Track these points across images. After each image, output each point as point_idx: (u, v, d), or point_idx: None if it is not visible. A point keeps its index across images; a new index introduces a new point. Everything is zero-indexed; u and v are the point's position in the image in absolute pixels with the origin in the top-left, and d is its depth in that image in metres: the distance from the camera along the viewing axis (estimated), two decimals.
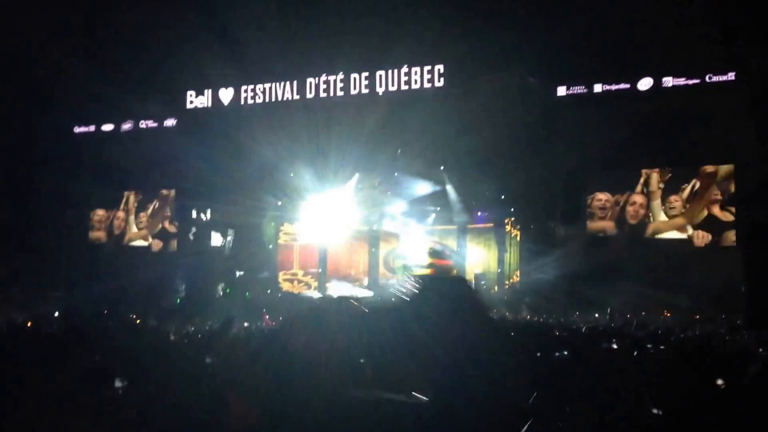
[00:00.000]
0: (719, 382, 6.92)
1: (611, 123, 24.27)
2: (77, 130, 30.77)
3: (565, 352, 9.56)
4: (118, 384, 4.65)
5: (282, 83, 26.07)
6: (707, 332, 18.32)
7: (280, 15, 24.32)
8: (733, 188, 24.38)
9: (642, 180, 25.64)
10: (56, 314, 19.16)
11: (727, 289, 21.64)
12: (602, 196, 25.89)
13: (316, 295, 29.26)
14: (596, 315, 22.01)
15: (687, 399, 5.59)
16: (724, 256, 23.28)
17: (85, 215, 31.82)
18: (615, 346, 12.08)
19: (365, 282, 30.00)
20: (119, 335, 8.14)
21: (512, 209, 26.99)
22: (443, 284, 2.48)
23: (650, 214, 25.48)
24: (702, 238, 24.80)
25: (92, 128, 30.60)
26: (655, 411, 5.04)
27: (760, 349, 11.45)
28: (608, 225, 25.89)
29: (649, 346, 11.45)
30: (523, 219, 26.60)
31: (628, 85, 24.73)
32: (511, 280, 27.23)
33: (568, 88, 25.24)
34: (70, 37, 25.55)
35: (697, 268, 23.02)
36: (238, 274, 28.99)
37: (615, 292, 22.90)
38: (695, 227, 24.90)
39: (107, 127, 30.41)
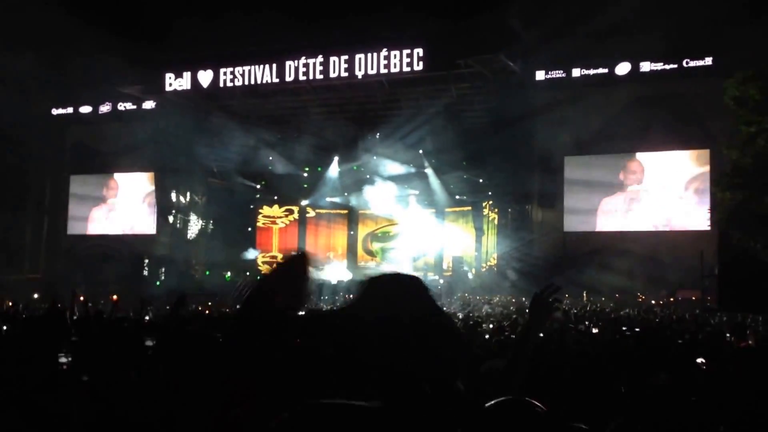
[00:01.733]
0: (700, 360, 7.13)
1: (589, 107, 24.46)
2: (55, 112, 30.57)
3: (541, 335, 9.81)
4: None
5: (261, 66, 25.96)
6: (682, 315, 18.73)
7: None
8: (709, 172, 24.67)
9: (622, 165, 25.98)
10: (35, 296, 19.24)
11: (702, 271, 22.03)
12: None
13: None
14: (573, 298, 22.36)
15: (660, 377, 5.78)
16: (699, 239, 23.58)
17: (64, 197, 31.73)
18: (595, 330, 12.39)
19: (344, 264, 30.23)
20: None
21: (490, 192, 27.14)
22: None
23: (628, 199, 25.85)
24: (678, 221, 25.12)
25: (70, 110, 30.41)
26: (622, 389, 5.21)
27: (728, 335, 11.72)
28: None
29: (624, 328, 11.70)
30: (501, 202, 26.77)
31: (606, 70, 24.86)
32: (489, 263, 27.45)
33: (546, 73, 25.35)
34: (47, 20, 25.32)
35: (673, 252, 23.28)
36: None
37: (591, 276, 23.21)
38: (671, 211, 25.24)
39: (85, 109, 30.22)
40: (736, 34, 21.13)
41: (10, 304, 16.00)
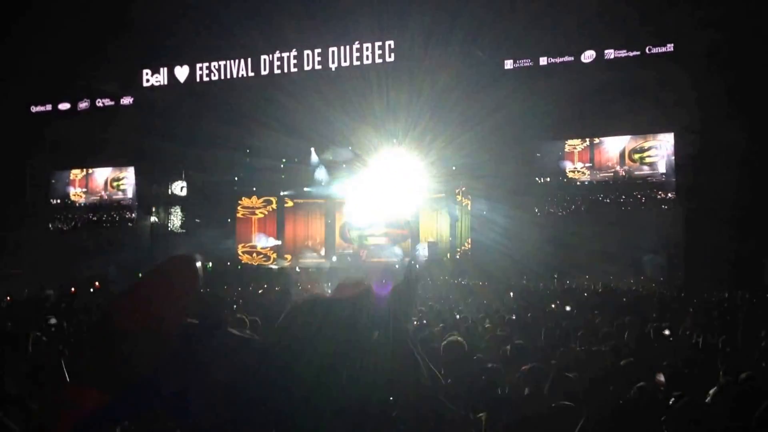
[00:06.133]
0: (666, 332, 7.76)
1: (557, 94, 25.05)
2: (34, 109, 30.82)
3: (513, 317, 10.48)
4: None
5: (236, 60, 26.46)
6: (650, 291, 19.50)
7: None
8: (674, 156, 25.48)
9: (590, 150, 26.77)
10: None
11: (669, 251, 22.86)
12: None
13: (274, 266, 30.05)
14: (545, 280, 23.09)
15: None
16: (665, 222, 24.40)
17: (44, 194, 32.01)
18: (568, 308, 13.11)
19: (322, 252, 30.78)
20: None
21: (463, 179, 27.78)
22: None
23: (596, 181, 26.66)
24: (644, 203, 25.92)
25: (49, 107, 30.67)
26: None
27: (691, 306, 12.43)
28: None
29: (596, 312, 12.38)
30: (474, 189, 27.42)
31: (572, 58, 25.48)
32: (463, 248, 28.13)
33: (515, 62, 25.93)
34: (24, 16, 25.55)
35: (640, 233, 24.00)
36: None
37: (562, 258, 23.93)
38: (638, 193, 26.05)
39: (64, 106, 30.50)
40: (697, 21, 21.85)
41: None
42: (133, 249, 28.14)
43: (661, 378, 4.80)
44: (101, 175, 31.79)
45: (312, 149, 28.93)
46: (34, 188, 31.74)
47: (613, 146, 26.60)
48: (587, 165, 26.85)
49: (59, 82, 28.63)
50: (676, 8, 22.55)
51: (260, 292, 21.54)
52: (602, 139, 26.70)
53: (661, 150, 25.93)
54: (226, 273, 27.25)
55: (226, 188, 30.58)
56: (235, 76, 26.45)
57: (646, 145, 26.14)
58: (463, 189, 28.18)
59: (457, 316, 10.28)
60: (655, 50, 24.49)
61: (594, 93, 24.60)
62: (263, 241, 30.97)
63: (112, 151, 29.23)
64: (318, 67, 25.62)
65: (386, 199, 29.45)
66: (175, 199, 30.35)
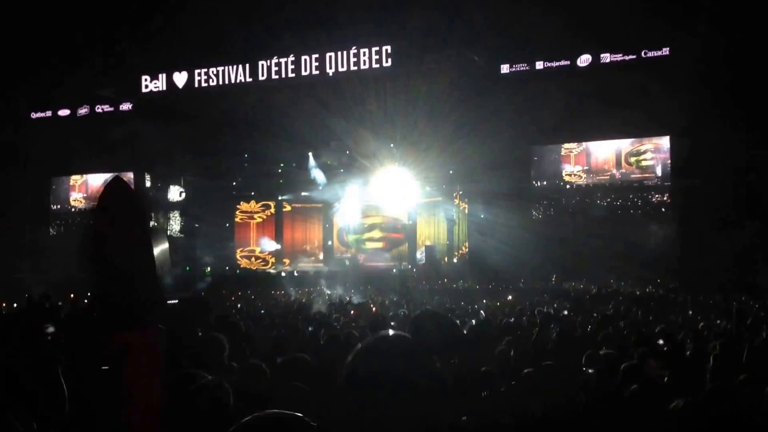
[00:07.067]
0: (660, 342, 7.89)
1: (553, 98, 25.21)
2: (34, 116, 30.91)
3: (512, 320, 10.61)
4: None
5: (234, 66, 26.54)
6: (646, 293, 19.64)
7: None
8: (669, 158, 25.64)
9: (586, 153, 26.93)
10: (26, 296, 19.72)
11: (664, 254, 22.99)
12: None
13: (272, 270, 30.17)
14: (543, 282, 23.25)
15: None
16: (660, 223, 24.56)
17: (46, 201, 32.13)
18: (565, 312, 13.28)
19: (320, 256, 30.89)
20: None
21: (460, 183, 27.94)
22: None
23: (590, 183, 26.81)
24: (640, 206, 26.09)
25: (49, 113, 30.76)
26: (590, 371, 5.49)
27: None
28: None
29: (595, 314, 12.52)
30: (471, 192, 27.57)
31: (568, 62, 25.62)
32: (460, 251, 28.27)
33: (511, 66, 26.08)
34: (24, 24, 25.62)
35: (636, 235, 24.14)
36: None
37: (559, 260, 24.08)
38: (633, 196, 26.21)
39: (63, 112, 30.59)
40: (692, 25, 22.00)
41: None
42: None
43: (652, 362, 4.91)
44: (101, 180, 31.83)
45: (310, 154, 29.08)
46: (35, 194, 31.77)
47: (609, 150, 26.73)
48: (583, 168, 26.94)
49: (59, 88, 28.72)
50: (672, 12, 22.67)
51: (249, 292, 21.68)
52: (598, 142, 26.85)
53: (656, 153, 26.07)
54: (225, 277, 27.38)
55: (224, 193, 30.72)
56: (233, 81, 26.50)
57: (642, 148, 26.28)
58: (460, 192, 28.36)
59: (457, 321, 10.34)
60: (650, 54, 24.62)
61: (590, 97, 24.75)
62: (267, 245, 31.11)
63: (112, 156, 29.32)
64: (315, 72, 25.69)
65: (383, 204, 29.63)
66: (174, 204, 30.46)
